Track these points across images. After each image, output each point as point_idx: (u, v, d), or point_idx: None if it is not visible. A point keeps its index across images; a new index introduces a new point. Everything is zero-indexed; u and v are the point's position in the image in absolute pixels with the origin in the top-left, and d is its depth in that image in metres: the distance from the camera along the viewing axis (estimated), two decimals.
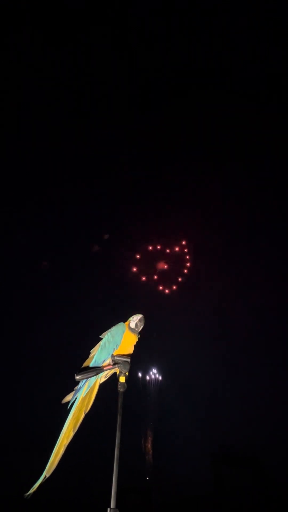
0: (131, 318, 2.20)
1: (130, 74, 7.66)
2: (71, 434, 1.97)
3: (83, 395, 2.02)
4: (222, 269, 8.19)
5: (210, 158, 8.23)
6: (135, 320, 2.18)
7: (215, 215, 8.44)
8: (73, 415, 2.00)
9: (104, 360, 2.08)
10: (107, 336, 2.15)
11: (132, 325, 2.17)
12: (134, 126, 8.07)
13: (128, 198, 8.35)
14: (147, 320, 2.18)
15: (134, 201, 8.40)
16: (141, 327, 2.17)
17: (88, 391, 2.05)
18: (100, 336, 2.20)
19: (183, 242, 8.87)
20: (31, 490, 1.89)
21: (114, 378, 1.95)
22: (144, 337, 2.18)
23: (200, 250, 8.83)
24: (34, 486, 1.89)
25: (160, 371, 7.89)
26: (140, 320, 2.17)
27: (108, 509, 1.65)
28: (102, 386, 2.10)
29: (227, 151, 8.14)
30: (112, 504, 1.65)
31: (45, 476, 1.91)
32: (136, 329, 2.17)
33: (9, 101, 7.07)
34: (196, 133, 8.23)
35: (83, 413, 2.02)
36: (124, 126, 8.03)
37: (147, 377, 8.37)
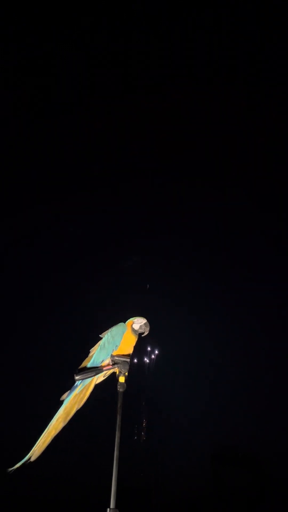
0: (134, 319, 2.20)
1: None
2: (60, 426, 2.00)
3: (77, 392, 2.05)
4: None
5: None
6: (140, 322, 2.18)
7: None
8: (64, 409, 2.02)
9: (103, 360, 2.09)
10: (107, 336, 2.16)
11: (136, 326, 2.17)
12: None
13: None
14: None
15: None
16: (147, 332, 2.18)
17: (83, 389, 2.07)
18: (100, 336, 2.21)
19: None
20: (15, 467, 1.92)
21: (113, 378, 1.96)
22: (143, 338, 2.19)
23: None
24: (17, 464, 1.93)
25: (158, 370, 7.95)
26: (145, 324, 2.18)
27: (108, 509, 1.66)
28: (101, 386, 2.12)
29: None
30: (112, 504, 1.66)
31: (29, 459, 1.94)
32: (140, 331, 2.17)
33: None
34: None
35: (75, 408, 2.04)
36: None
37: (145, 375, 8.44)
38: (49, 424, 2.02)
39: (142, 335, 2.21)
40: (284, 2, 6.48)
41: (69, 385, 2.09)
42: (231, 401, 7.28)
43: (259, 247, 8.19)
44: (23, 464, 1.94)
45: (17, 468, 1.94)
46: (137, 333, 2.19)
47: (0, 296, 7.41)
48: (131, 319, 2.23)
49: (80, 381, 2.05)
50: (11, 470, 1.93)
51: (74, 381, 2.05)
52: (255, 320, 7.93)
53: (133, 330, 2.18)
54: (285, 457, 6.38)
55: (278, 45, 6.87)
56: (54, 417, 2.03)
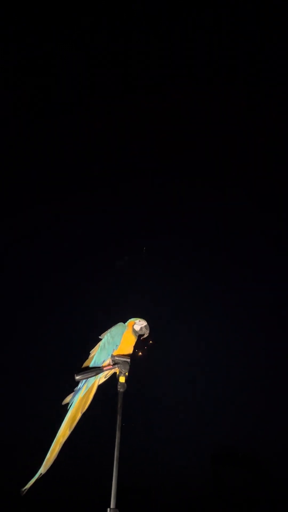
0: (136, 320, 2.21)
1: None
2: (67, 433, 2.01)
3: (81, 396, 2.05)
4: None
5: None
6: (140, 324, 2.20)
7: None
8: (70, 415, 2.03)
9: (104, 361, 2.10)
10: (107, 337, 2.17)
11: (137, 327, 2.19)
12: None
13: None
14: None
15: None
16: (146, 334, 2.19)
17: (87, 392, 2.08)
18: (99, 337, 2.22)
19: None
20: (27, 486, 1.92)
21: (114, 378, 1.97)
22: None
23: None
24: (30, 482, 1.93)
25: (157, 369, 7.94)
26: (146, 327, 2.20)
27: (108, 509, 1.66)
28: (101, 386, 2.12)
29: None
30: (112, 504, 1.66)
31: (41, 473, 1.95)
32: (141, 332, 2.19)
33: None
34: None
35: (80, 412, 2.05)
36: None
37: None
38: (57, 433, 2.02)
39: (142, 337, 2.22)
40: (284, 2, 6.49)
41: (70, 386, 2.10)
42: (231, 401, 7.28)
43: (259, 247, 8.20)
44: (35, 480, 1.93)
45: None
46: (137, 334, 2.20)
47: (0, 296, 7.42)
48: (132, 319, 2.24)
49: (83, 383, 2.06)
50: (24, 490, 1.93)
51: (75, 383, 2.05)
52: (255, 320, 7.93)
53: (134, 331, 2.19)
54: (285, 457, 6.39)
55: (278, 45, 6.88)
56: (62, 425, 2.03)
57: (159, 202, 8.61)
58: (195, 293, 8.39)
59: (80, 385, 2.05)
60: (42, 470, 1.94)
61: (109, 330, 2.19)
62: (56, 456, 1.96)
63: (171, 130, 8.05)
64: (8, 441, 5.93)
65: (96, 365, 2.10)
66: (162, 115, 7.84)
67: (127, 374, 1.92)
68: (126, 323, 2.21)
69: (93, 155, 8.15)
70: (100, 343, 2.18)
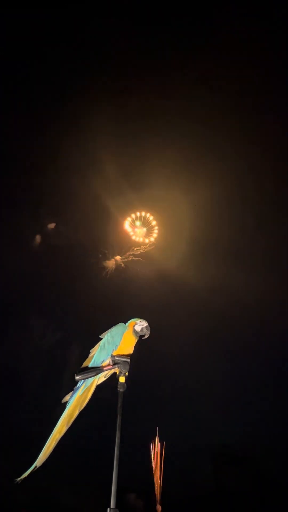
0: (136, 320, 2.19)
1: None
2: (64, 429, 2.01)
3: (79, 394, 2.05)
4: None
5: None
6: (141, 325, 2.18)
7: None
8: (67, 412, 2.03)
9: (103, 361, 2.08)
10: (107, 337, 2.16)
11: (138, 328, 2.17)
12: None
13: None
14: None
15: None
16: (147, 335, 2.17)
17: (85, 390, 2.07)
18: (100, 336, 2.21)
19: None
20: (22, 477, 1.93)
21: (114, 378, 1.96)
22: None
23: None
24: (24, 474, 1.93)
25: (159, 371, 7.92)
26: (147, 327, 2.18)
27: (108, 509, 1.65)
28: (102, 386, 2.12)
29: None
30: (112, 504, 1.65)
31: (36, 466, 1.95)
32: (141, 333, 2.17)
33: None
34: None
35: (77, 410, 2.05)
36: None
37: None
38: (54, 429, 2.02)
39: (143, 338, 2.20)
40: (285, 2, 6.47)
41: (69, 385, 2.09)
42: (231, 402, 7.27)
43: (259, 247, 8.18)
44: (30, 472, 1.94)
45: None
46: (138, 335, 2.18)
47: (1, 296, 7.40)
48: (133, 319, 2.22)
49: (82, 382, 2.05)
50: (19, 480, 1.93)
51: (74, 382, 2.04)
52: (254, 322, 7.92)
53: (134, 331, 2.17)
54: (284, 457, 6.38)
55: (278, 44, 6.86)
56: (58, 421, 2.03)
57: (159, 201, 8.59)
58: (195, 293, 8.37)
59: (79, 384, 2.04)
60: (38, 463, 1.95)
61: (109, 330, 2.17)
62: (51, 451, 1.96)
63: None
64: (6, 436, 5.93)
65: (95, 364, 2.08)
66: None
67: (127, 374, 1.90)
68: (127, 324, 2.19)
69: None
70: (100, 343, 2.16)
